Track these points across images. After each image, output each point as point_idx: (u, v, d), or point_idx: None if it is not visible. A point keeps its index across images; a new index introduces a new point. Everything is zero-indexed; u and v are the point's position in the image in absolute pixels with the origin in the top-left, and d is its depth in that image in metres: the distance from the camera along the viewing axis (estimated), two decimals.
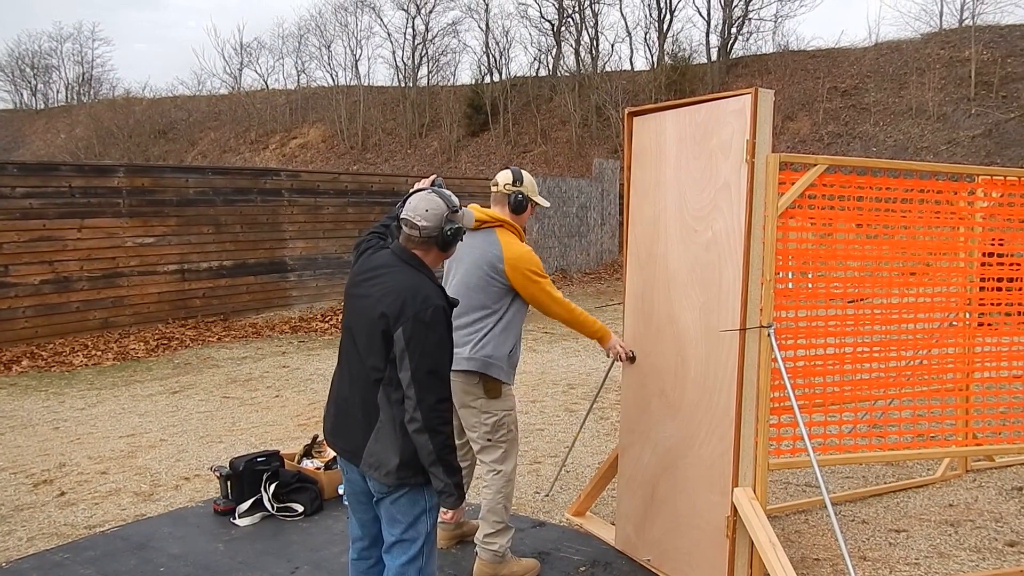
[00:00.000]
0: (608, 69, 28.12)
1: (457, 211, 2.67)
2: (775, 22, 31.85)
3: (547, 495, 4.88)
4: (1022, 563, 3.98)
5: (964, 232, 4.70)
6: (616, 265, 17.15)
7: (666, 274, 3.74)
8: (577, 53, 28.91)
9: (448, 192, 2.71)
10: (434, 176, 3.11)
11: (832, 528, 4.18)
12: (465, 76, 48.06)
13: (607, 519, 4.45)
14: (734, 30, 26.42)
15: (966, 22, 22.31)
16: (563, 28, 29.51)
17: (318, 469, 4.81)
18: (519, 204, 3.74)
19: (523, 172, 3.82)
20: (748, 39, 27.01)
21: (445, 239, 2.64)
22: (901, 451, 4.24)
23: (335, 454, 4.89)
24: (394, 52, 44.04)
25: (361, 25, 44.52)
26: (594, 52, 28.61)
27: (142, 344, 9.61)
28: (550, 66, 30.00)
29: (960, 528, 4.44)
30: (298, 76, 37.15)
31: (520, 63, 46.51)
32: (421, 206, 2.61)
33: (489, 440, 3.70)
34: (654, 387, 3.83)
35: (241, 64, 42.12)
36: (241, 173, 12.35)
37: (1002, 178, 4.64)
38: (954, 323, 4.71)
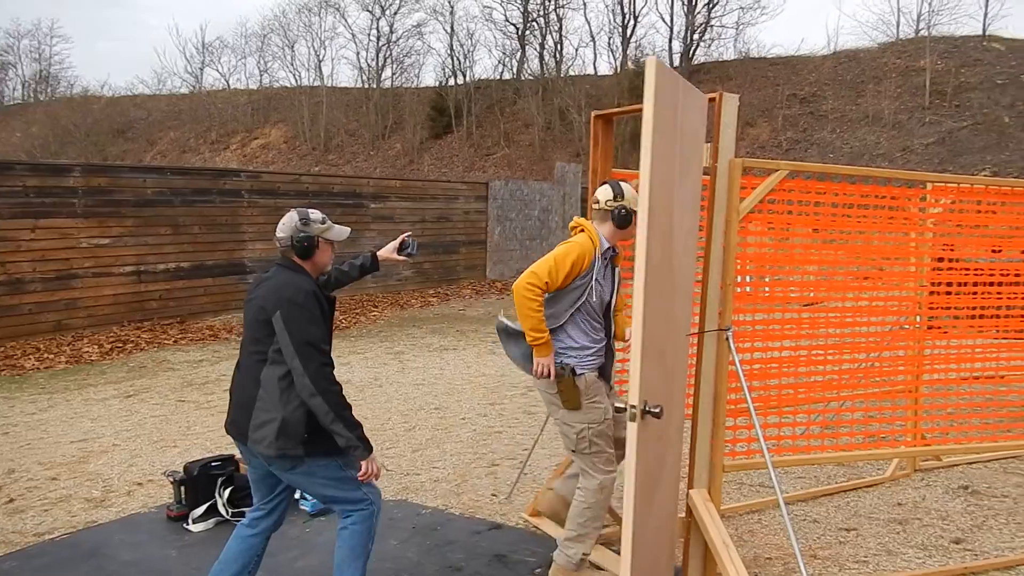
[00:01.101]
0: (572, 73, 28.31)
1: (308, 222, 3.09)
2: (736, 29, 32.39)
3: (506, 498, 4.89)
4: (967, 560, 4.08)
5: (916, 237, 4.82)
6: None
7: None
8: (541, 57, 29.10)
9: (314, 211, 3.15)
10: (403, 236, 3.64)
11: (785, 527, 4.27)
12: (429, 78, 47.94)
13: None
14: (696, 36, 26.78)
15: (921, 32, 22.85)
16: (528, 32, 29.63)
17: None
18: (623, 219, 3.50)
19: (623, 184, 3.55)
20: (710, 46, 27.42)
21: (299, 247, 3.07)
22: (853, 452, 4.33)
23: None
24: (358, 53, 43.93)
25: (325, 26, 44.24)
26: (558, 56, 28.82)
27: (96, 347, 9.43)
28: (514, 69, 30.11)
29: (908, 526, 4.54)
30: (260, 76, 36.86)
31: (484, 66, 46.73)
32: (280, 222, 3.13)
33: (573, 451, 3.59)
34: None
35: (203, 63, 41.59)
36: (200, 173, 12.19)
37: (954, 185, 4.77)
38: (905, 327, 4.83)
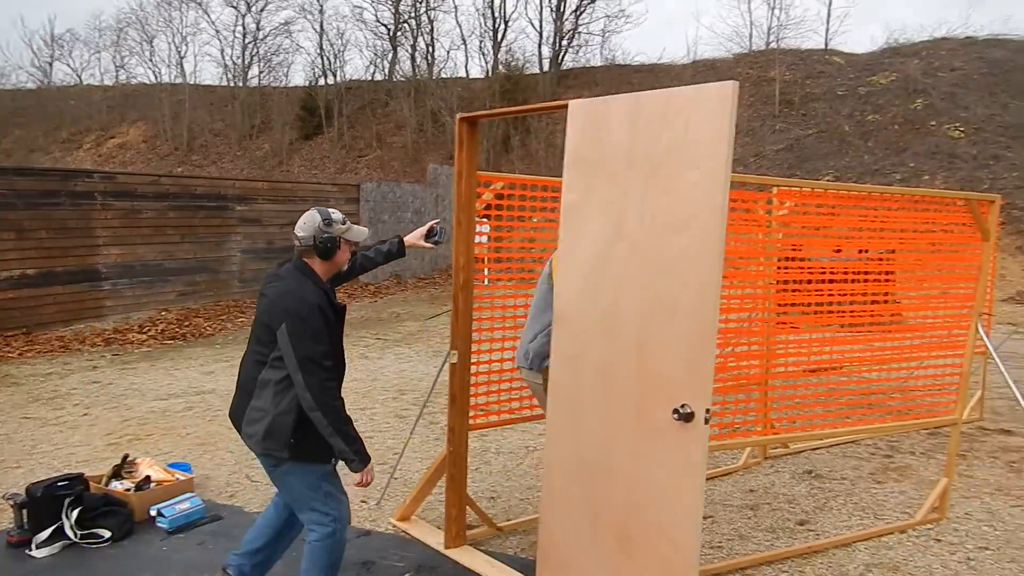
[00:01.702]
0: (444, 75, 28.29)
1: (331, 223, 3.14)
2: (603, 36, 33.23)
3: (376, 504, 4.86)
4: (810, 540, 4.38)
5: (763, 238, 5.14)
6: (450, 271, 17.26)
7: None
8: (413, 59, 28.92)
9: (334, 210, 3.20)
10: (432, 223, 3.78)
11: None
12: (299, 78, 46.76)
13: (434, 523, 4.49)
14: (565, 42, 27.34)
15: (772, 45, 24.24)
16: (399, 33, 29.41)
17: (128, 491, 4.54)
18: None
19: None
20: (578, 52, 28.03)
21: (321, 248, 3.12)
22: (711, 442, 4.54)
23: (146, 475, 4.65)
24: (222, 50, 42.28)
25: (187, 20, 42.24)
26: (430, 58, 28.71)
27: None
28: (386, 70, 29.81)
29: (759, 511, 4.82)
30: (117, 72, 34.84)
31: (356, 66, 45.65)
32: (301, 220, 3.15)
33: None
34: None
35: (52, 57, 38.87)
36: (48, 175, 11.41)
37: (797, 189, 5.12)
38: (755, 322, 5.14)
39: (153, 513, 4.45)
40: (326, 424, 2.96)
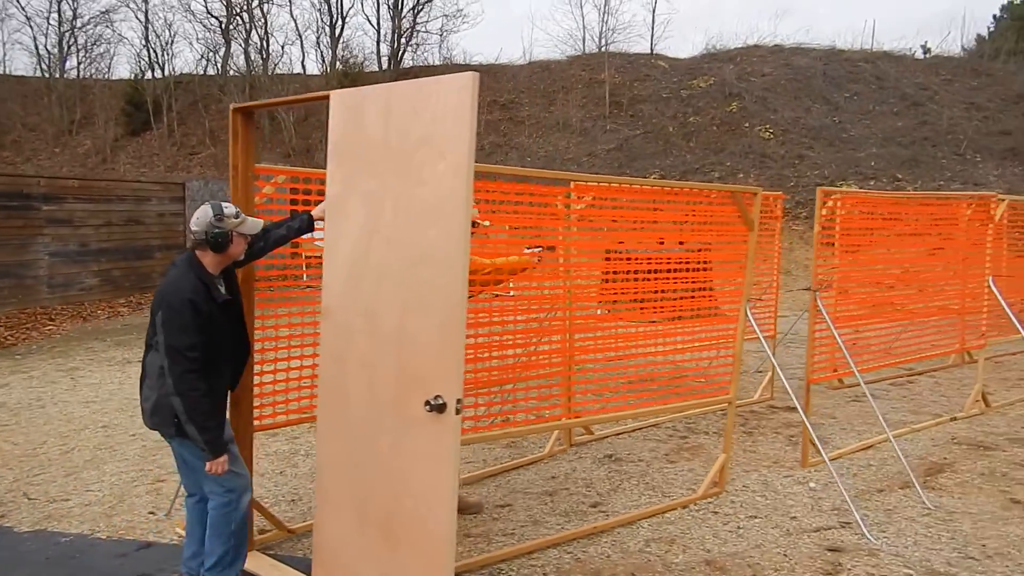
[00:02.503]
0: (280, 71, 27.44)
1: (223, 218, 3.26)
2: (441, 36, 33.20)
3: (166, 515, 4.64)
4: (599, 520, 4.55)
5: (562, 231, 5.29)
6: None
7: None
8: (247, 53, 27.85)
9: (228, 205, 3.32)
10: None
11: None
12: (123, 70, 43.91)
13: None
14: (403, 40, 27.19)
15: (602, 48, 25.12)
16: (232, 26, 28.25)
17: None
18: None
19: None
20: (416, 50, 27.96)
21: (213, 242, 3.26)
22: (517, 428, 4.59)
23: None
24: (35, 38, 39.15)
25: None
26: (264, 53, 27.76)
27: None
28: (219, 65, 28.55)
29: (556, 496, 4.97)
30: None
31: (186, 59, 43.47)
32: (195, 215, 3.29)
33: None
34: None
35: None
36: None
37: (594, 184, 5.31)
38: (558, 314, 5.29)
39: None
40: (182, 411, 3.16)
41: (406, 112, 2.89)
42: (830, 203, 5.51)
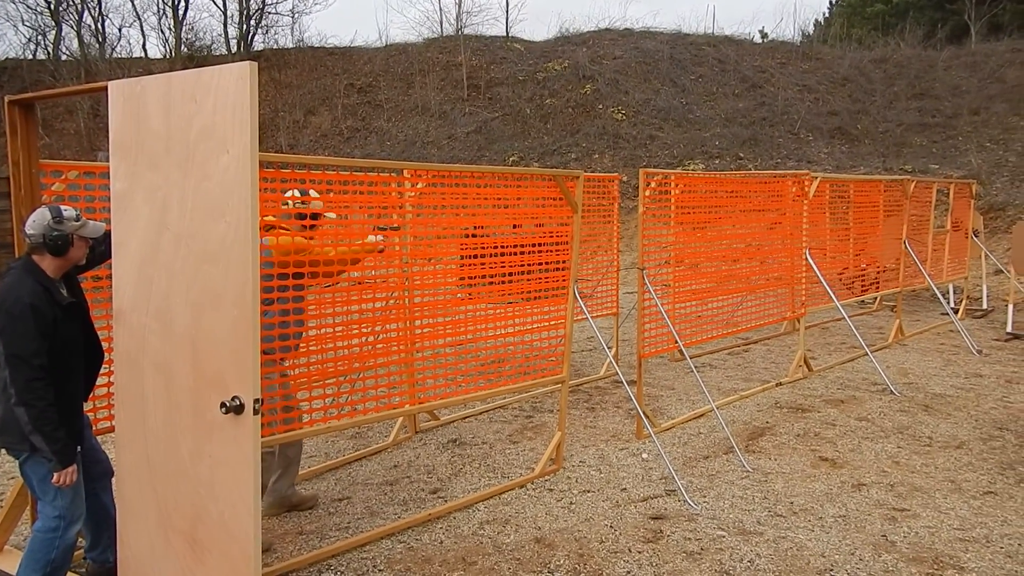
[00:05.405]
0: (119, 55, 25.84)
1: (62, 221, 3.12)
2: (292, 17, 32.12)
3: None
4: (437, 506, 4.56)
5: (397, 219, 5.23)
6: None
7: None
8: (80, 36, 26.04)
9: (67, 208, 3.20)
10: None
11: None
12: None
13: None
14: (253, 22, 26.18)
15: (460, 31, 25.05)
16: (61, 7, 26.31)
17: None
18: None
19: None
20: (267, 32, 26.98)
21: (52, 245, 3.12)
22: (359, 417, 4.49)
23: None
24: None
25: None
26: (100, 36, 26.05)
27: None
28: (50, 49, 26.56)
29: (396, 486, 4.95)
30: None
31: (11, 43, 40.10)
32: (31, 218, 3.15)
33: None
34: None
35: None
36: None
37: (425, 170, 5.28)
38: (396, 300, 5.24)
39: None
40: (27, 421, 3.01)
41: (187, 103, 2.76)
42: (653, 184, 5.72)
